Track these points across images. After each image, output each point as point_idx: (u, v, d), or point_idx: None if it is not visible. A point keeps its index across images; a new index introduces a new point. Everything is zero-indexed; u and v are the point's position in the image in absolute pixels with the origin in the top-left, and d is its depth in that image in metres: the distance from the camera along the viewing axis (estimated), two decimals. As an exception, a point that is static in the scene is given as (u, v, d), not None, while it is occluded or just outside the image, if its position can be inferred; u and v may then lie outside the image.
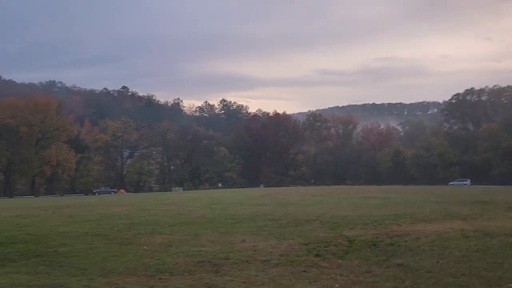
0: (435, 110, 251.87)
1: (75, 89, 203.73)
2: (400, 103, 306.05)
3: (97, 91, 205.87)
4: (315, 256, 10.88)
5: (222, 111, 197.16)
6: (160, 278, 8.89)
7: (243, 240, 13.24)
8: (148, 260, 10.56)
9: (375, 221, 16.89)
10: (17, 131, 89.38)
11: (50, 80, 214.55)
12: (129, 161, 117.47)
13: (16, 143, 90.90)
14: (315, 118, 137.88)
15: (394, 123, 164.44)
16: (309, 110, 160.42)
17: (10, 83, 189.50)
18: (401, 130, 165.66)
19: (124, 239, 14.09)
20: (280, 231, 15.16)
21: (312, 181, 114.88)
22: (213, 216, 20.47)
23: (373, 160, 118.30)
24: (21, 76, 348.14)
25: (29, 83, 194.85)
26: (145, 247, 12.40)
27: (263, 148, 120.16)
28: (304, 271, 9.40)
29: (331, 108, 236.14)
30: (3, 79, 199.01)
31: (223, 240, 13.44)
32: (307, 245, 12.27)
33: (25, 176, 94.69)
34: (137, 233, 15.40)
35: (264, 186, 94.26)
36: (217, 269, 9.57)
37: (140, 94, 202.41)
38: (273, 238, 13.67)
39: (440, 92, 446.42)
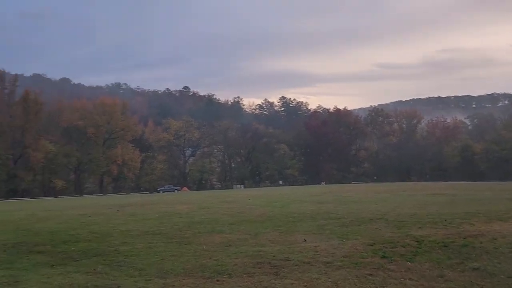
0: (506, 102, 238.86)
1: (139, 90, 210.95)
2: (468, 95, 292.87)
3: (160, 92, 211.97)
4: (381, 257, 10.18)
5: (282, 109, 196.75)
6: (217, 280, 8.58)
7: (304, 240, 12.71)
8: (206, 261, 10.29)
9: (445, 220, 15.77)
10: (85, 132, 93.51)
11: (115, 83, 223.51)
12: (191, 159, 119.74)
13: (85, 144, 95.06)
14: (377, 113, 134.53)
15: (461, 117, 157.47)
16: (371, 105, 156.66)
17: (79, 86, 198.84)
18: (469, 123, 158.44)
19: (184, 238, 13.95)
20: (342, 230, 14.48)
21: (375, 178, 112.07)
22: (273, 214, 20.04)
23: (439, 156, 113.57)
24: (89, 80, 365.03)
25: (96, 86, 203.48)
26: (204, 247, 12.16)
27: (324, 145, 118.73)
28: (370, 274, 8.77)
29: (394, 102, 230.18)
30: (72, 83, 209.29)
31: (283, 240, 12.98)
32: (372, 245, 11.54)
33: (93, 175, 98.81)
34: (197, 232, 15.24)
35: (325, 183, 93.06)
36: (276, 271, 9.13)
37: (201, 93, 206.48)
38: (335, 237, 13.02)
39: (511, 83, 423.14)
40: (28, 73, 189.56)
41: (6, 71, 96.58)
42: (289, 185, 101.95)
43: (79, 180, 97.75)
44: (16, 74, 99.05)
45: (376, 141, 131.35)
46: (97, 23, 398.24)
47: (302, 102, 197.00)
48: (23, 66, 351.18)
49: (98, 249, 12.31)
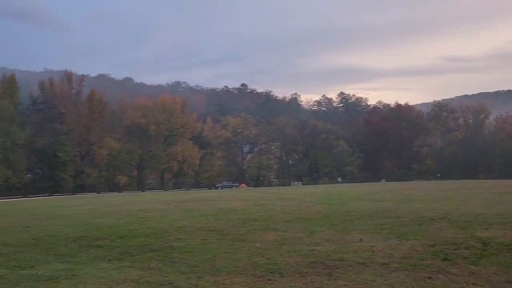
0: None
1: (198, 88, 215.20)
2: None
3: (218, 90, 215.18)
4: (442, 260, 9.62)
5: (341, 104, 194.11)
6: (269, 280, 8.40)
7: (361, 240, 12.28)
8: (259, 259, 10.14)
9: (514, 221, 14.80)
10: (147, 130, 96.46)
11: (175, 81, 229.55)
12: (249, 156, 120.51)
13: (146, 141, 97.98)
14: (441, 108, 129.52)
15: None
16: (434, 100, 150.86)
17: (141, 85, 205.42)
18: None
19: (238, 235, 13.89)
20: (401, 230, 13.88)
21: (438, 175, 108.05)
22: (329, 212, 19.63)
23: (509, 152, 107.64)
24: (150, 79, 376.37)
25: (157, 84, 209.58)
26: (257, 244, 12.02)
27: (384, 141, 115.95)
28: (429, 277, 8.29)
29: (459, 97, 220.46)
30: (135, 82, 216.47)
31: (338, 239, 12.60)
32: (432, 246, 10.96)
33: (154, 171, 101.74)
34: (251, 229, 15.14)
35: (385, 181, 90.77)
36: (330, 272, 8.83)
37: (259, 90, 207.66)
38: (393, 237, 12.49)
39: None
40: (93, 74, 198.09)
41: (74, 72, 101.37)
42: (348, 183, 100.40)
43: (141, 176, 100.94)
44: (82, 75, 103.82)
45: (439, 137, 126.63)
46: (157, 24, 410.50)
47: (361, 98, 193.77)
48: (89, 67, 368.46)
49: (154, 245, 12.48)
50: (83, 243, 13.10)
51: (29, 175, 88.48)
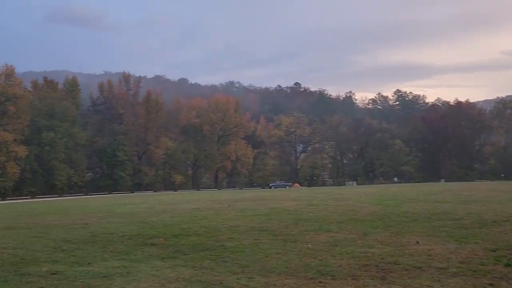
0: None
1: (251, 88, 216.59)
2: None
3: (271, 89, 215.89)
4: (505, 266, 9.09)
5: (397, 102, 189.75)
6: (320, 282, 8.23)
7: (417, 242, 11.85)
8: (310, 260, 9.98)
9: None
10: (201, 130, 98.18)
11: (229, 81, 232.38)
12: (302, 155, 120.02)
13: (201, 141, 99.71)
14: (505, 105, 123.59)
15: None
16: (498, 97, 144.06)
17: (196, 85, 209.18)
18: None
19: (290, 235, 13.77)
20: (461, 233, 13.27)
21: (502, 175, 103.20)
22: (384, 213, 19.11)
23: None
24: (204, 79, 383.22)
25: (212, 84, 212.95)
26: (309, 245, 11.86)
27: (443, 140, 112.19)
28: (491, 284, 7.85)
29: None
30: (189, 82, 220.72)
31: (393, 241, 12.21)
32: (494, 251, 10.39)
33: (209, 170, 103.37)
34: (304, 229, 14.98)
35: (445, 181, 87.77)
36: (384, 275, 8.54)
37: (312, 89, 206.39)
38: (452, 241, 11.96)
39: None
40: (150, 75, 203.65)
41: (131, 74, 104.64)
42: (404, 183, 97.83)
43: (196, 175, 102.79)
44: (139, 76, 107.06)
45: (503, 135, 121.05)
46: (210, 25, 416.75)
47: (418, 96, 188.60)
48: (145, 69, 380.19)
49: (206, 244, 12.57)
50: (139, 241, 13.40)
51: (89, 174, 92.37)
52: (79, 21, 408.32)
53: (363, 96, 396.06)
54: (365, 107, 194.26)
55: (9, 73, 77.93)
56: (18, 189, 77.47)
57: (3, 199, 66.81)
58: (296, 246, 11.91)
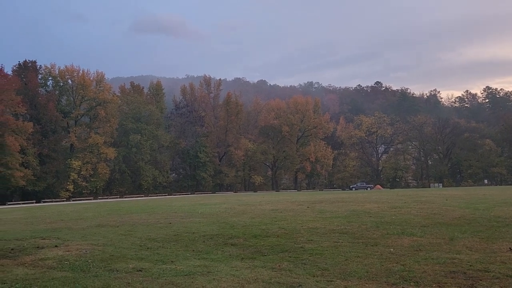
0: None
1: (330, 88, 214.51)
2: None
3: (351, 89, 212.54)
4: None
5: (486, 100, 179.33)
6: (403, 288, 7.92)
7: (510, 249, 11.07)
8: (393, 265, 9.63)
9: None
10: (280, 131, 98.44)
11: (307, 82, 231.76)
12: (384, 156, 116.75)
13: (280, 142, 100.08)
14: None
15: None
16: None
17: (275, 87, 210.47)
18: None
19: (370, 239, 13.41)
20: (561, 240, 12.25)
21: None
22: (473, 218, 18.08)
23: None
24: (283, 81, 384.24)
25: (290, 86, 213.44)
26: (391, 250, 11.47)
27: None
28: None
29: None
30: (268, 84, 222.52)
31: (483, 247, 11.49)
32: None
33: (288, 171, 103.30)
34: (385, 233, 14.53)
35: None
36: (472, 283, 8.04)
37: (394, 88, 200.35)
38: (550, 249, 11.05)
39: None
40: (229, 78, 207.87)
41: (212, 77, 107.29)
42: (495, 185, 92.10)
43: (275, 176, 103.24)
44: (220, 79, 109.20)
45: None
46: (288, 28, 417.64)
47: (510, 92, 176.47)
48: (225, 72, 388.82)
49: (285, 245, 12.56)
50: (219, 241, 13.67)
51: (173, 175, 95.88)
52: (161, 29, 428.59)
53: (449, 94, 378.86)
54: (452, 105, 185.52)
55: (100, 79, 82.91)
56: (108, 189, 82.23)
57: (95, 198, 71.23)
58: (377, 250, 11.57)
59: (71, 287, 7.88)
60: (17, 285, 8.04)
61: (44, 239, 14.78)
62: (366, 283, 8.23)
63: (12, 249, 12.30)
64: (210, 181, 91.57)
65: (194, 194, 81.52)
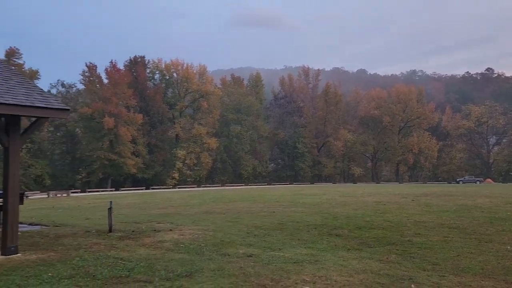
0: None
1: (435, 76, 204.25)
2: None
3: (458, 76, 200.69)
4: None
5: None
6: (524, 287, 7.48)
7: None
8: (510, 263, 9.12)
9: None
10: (381, 121, 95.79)
11: (410, 70, 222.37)
12: (496, 148, 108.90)
13: (381, 132, 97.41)
14: None
15: None
16: None
17: (375, 76, 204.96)
18: None
19: (484, 235, 12.74)
20: None
21: None
22: None
23: None
24: (384, 69, 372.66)
25: (391, 74, 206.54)
26: (508, 247, 10.83)
27: None
28: None
29: None
30: (368, 73, 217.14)
31: None
32: None
33: (389, 163, 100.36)
34: (500, 229, 13.72)
35: None
36: None
37: (507, 75, 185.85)
38: None
39: None
40: (328, 68, 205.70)
41: (310, 67, 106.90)
42: None
43: (376, 168, 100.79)
44: (318, 69, 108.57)
45: None
46: (390, 15, 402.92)
47: None
48: (324, 62, 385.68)
49: (391, 238, 12.35)
50: (323, 231, 13.76)
51: (272, 165, 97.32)
52: (259, 22, 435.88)
53: None
54: None
55: (202, 72, 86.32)
56: (210, 178, 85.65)
57: (198, 186, 74.61)
58: (492, 246, 10.98)
59: (190, 268, 8.42)
60: (141, 264, 8.77)
61: (159, 223, 15.89)
62: (482, 280, 7.88)
63: (133, 231, 13.39)
64: (309, 171, 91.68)
65: (292, 184, 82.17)
